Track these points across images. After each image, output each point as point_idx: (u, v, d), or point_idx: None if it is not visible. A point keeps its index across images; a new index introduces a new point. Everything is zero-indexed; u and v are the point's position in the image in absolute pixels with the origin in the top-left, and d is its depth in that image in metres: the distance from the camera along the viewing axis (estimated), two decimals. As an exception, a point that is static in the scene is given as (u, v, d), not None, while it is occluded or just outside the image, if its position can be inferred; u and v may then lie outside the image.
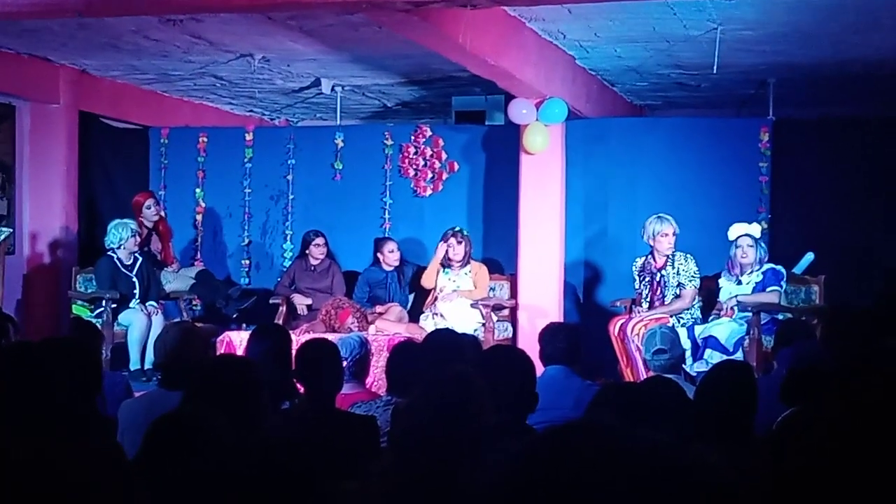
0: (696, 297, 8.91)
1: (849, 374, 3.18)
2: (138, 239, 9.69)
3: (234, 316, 10.26)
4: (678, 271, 8.83)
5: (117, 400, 5.22)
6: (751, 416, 4.13)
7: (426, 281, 9.80)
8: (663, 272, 8.88)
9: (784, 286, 8.78)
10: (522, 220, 9.81)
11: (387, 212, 10.78)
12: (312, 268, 10.09)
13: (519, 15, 8.19)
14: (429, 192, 10.68)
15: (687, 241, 9.01)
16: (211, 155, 11.23)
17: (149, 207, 10.27)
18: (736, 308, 8.59)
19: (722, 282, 8.93)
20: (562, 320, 9.24)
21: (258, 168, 11.09)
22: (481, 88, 10.65)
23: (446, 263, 9.71)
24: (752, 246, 8.77)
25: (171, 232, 10.53)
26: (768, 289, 8.64)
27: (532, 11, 8.03)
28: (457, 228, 9.77)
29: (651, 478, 1.29)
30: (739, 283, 8.78)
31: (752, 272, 8.78)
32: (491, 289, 9.90)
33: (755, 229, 8.87)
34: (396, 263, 10.02)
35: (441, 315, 9.49)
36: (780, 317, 8.49)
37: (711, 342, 8.47)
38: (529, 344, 7.15)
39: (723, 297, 8.87)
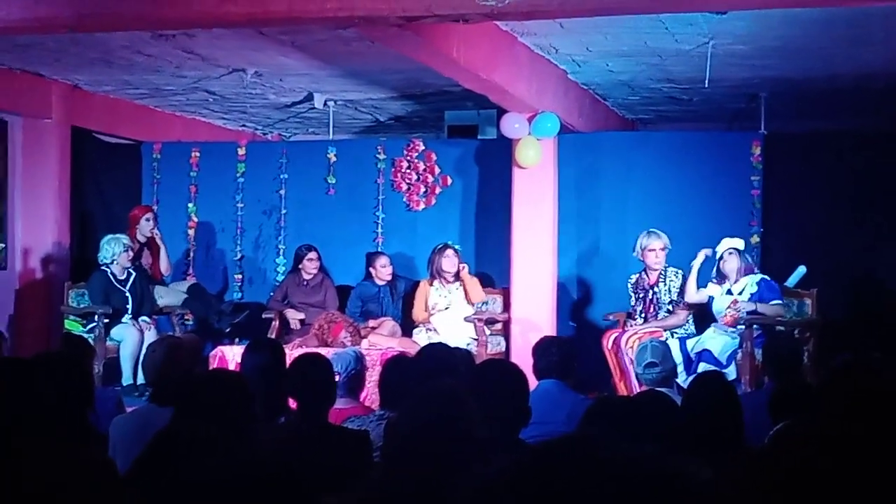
0: (689, 312, 8.90)
1: (838, 386, 3.19)
2: (131, 254, 9.68)
3: (227, 330, 10.26)
4: (670, 288, 8.83)
5: (109, 415, 5.20)
6: (737, 426, 4.15)
7: (417, 315, 9.78)
8: (656, 289, 8.88)
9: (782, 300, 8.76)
10: (515, 233, 9.82)
11: (380, 226, 10.78)
12: (305, 282, 10.09)
13: (511, 30, 8.20)
14: (422, 206, 10.69)
15: (679, 256, 9.02)
16: (203, 170, 11.24)
17: (147, 220, 10.28)
18: (743, 314, 8.46)
19: (712, 289, 8.84)
20: (555, 334, 9.23)
21: (251, 183, 11.10)
22: (473, 103, 10.66)
23: (438, 277, 9.69)
24: (732, 254, 8.74)
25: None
26: (772, 302, 8.58)
27: (524, 26, 8.04)
28: (449, 243, 9.79)
29: (641, 492, 1.29)
30: (730, 292, 8.73)
31: (737, 281, 8.70)
32: (484, 303, 9.90)
33: (738, 243, 8.81)
34: (389, 278, 10.02)
35: (434, 329, 9.49)
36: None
37: (705, 356, 8.45)
38: (522, 358, 7.14)
39: (718, 307, 8.77)
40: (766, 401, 5.37)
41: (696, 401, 4.26)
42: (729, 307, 8.59)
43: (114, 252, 9.55)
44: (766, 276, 8.76)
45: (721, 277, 8.80)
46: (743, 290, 8.68)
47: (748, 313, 8.47)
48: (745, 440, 4.27)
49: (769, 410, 4.64)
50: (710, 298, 8.85)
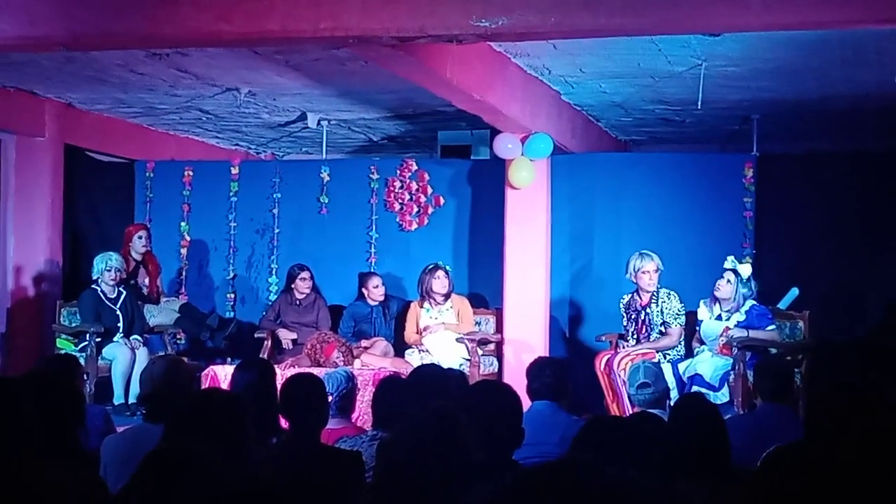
0: (682, 334, 8.87)
1: (829, 410, 3.19)
2: (115, 275, 9.55)
3: (224, 346, 10.24)
4: (662, 310, 8.80)
5: (98, 431, 5.18)
6: (722, 448, 4.15)
7: (409, 337, 9.75)
8: (648, 310, 8.86)
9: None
10: (508, 254, 9.82)
11: (372, 246, 10.78)
12: (298, 302, 10.07)
13: (504, 50, 8.22)
14: (414, 226, 10.69)
15: (672, 277, 9.01)
16: (196, 188, 11.23)
17: (140, 238, 10.26)
18: (734, 346, 8.35)
19: (702, 313, 8.80)
20: (548, 355, 9.21)
21: (244, 202, 11.09)
22: (467, 123, 10.68)
23: (428, 298, 9.66)
24: (730, 283, 8.66)
25: (160, 268, 10.49)
26: (767, 328, 8.54)
27: (517, 47, 8.06)
28: (440, 263, 9.76)
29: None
30: (720, 318, 8.69)
31: (729, 309, 8.65)
32: (476, 323, 9.88)
33: (743, 269, 8.72)
34: (381, 298, 10.00)
35: (427, 350, 9.47)
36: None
37: (697, 379, 8.43)
38: (515, 378, 7.13)
39: (706, 331, 8.74)
40: (758, 423, 5.38)
41: (679, 424, 4.26)
42: (722, 335, 8.56)
43: (100, 269, 9.52)
44: (756, 303, 8.69)
45: (714, 300, 8.75)
46: (731, 316, 8.62)
47: (741, 341, 8.36)
48: (735, 463, 4.27)
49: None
50: (699, 322, 8.81)
